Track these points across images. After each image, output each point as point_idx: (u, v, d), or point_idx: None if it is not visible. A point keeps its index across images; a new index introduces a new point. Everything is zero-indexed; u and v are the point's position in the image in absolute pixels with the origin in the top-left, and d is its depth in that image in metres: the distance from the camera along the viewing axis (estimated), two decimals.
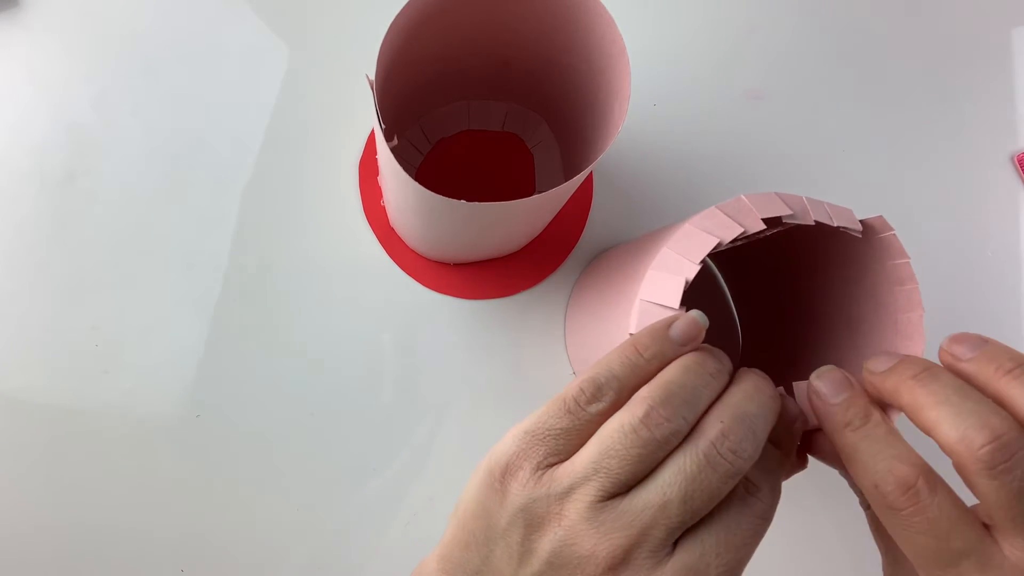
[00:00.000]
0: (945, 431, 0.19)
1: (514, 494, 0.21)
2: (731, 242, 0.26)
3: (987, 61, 0.49)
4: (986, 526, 0.20)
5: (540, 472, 0.21)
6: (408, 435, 0.41)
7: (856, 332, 0.30)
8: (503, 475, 0.22)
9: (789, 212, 0.26)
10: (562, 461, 0.22)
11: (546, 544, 0.21)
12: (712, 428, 0.21)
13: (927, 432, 0.20)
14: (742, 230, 0.25)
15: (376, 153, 0.43)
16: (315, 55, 0.44)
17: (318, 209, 0.43)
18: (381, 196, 0.43)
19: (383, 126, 0.27)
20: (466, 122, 0.44)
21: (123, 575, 0.39)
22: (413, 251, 0.43)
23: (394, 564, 0.40)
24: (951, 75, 0.49)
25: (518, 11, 0.32)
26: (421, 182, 0.28)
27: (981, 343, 0.21)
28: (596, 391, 0.22)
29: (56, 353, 0.40)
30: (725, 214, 0.26)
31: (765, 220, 0.26)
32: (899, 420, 0.23)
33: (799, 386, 0.25)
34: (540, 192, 0.32)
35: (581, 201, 0.44)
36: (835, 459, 0.23)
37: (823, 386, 0.23)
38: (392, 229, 0.43)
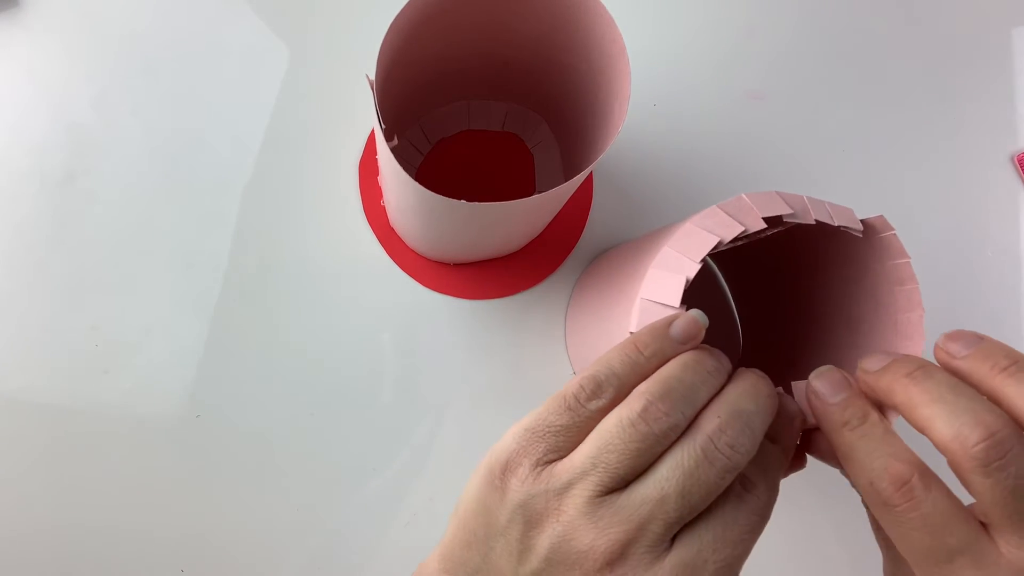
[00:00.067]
0: (939, 429, 0.19)
1: (513, 491, 0.21)
2: (732, 241, 0.26)
3: (987, 61, 0.49)
4: (983, 524, 0.20)
5: (539, 468, 0.21)
6: (408, 435, 0.41)
7: (856, 332, 0.30)
8: (503, 472, 0.22)
9: (790, 211, 0.26)
10: (562, 458, 0.22)
11: (545, 540, 0.21)
12: (709, 423, 0.21)
13: (921, 430, 0.20)
14: (743, 229, 0.25)
15: (376, 153, 0.43)
16: (315, 55, 0.44)
17: (318, 209, 0.43)
18: (381, 196, 0.43)
19: (383, 126, 0.27)
20: (466, 122, 0.44)
21: (123, 575, 0.39)
22: (413, 251, 0.43)
23: (394, 564, 0.40)
24: (951, 75, 0.49)
25: (518, 11, 0.32)
26: (421, 182, 0.28)
27: (976, 340, 0.21)
28: (596, 388, 0.22)
29: (56, 353, 0.40)
30: (726, 213, 0.26)
31: (766, 219, 0.26)
32: (897, 423, 0.23)
33: (798, 386, 0.25)
34: (540, 192, 0.32)
35: (581, 201, 0.44)
36: (834, 458, 0.23)
37: (821, 386, 0.23)
38: (392, 229, 0.43)
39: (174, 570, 0.39)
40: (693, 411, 0.21)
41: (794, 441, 0.24)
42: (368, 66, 0.29)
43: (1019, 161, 0.48)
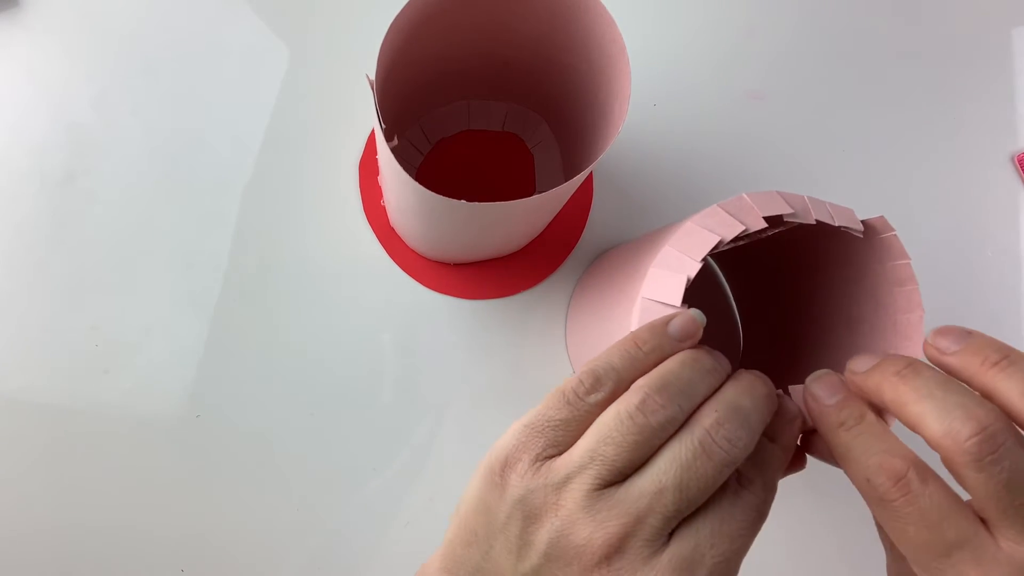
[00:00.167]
0: (930, 425, 0.19)
1: (512, 487, 0.21)
2: (732, 241, 0.26)
3: (987, 61, 0.49)
4: (982, 520, 0.20)
5: (538, 464, 0.21)
6: (408, 435, 0.41)
7: (856, 332, 0.30)
8: (502, 469, 0.22)
9: (790, 211, 0.26)
10: (560, 453, 0.22)
11: (543, 535, 0.21)
12: (707, 417, 0.21)
13: (913, 428, 0.20)
14: (744, 228, 0.25)
15: (376, 153, 0.43)
16: (315, 55, 0.44)
17: (318, 209, 0.43)
18: (381, 196, 0.43)
19: (383, 126, 0.27)
20: (466, 122, 0.44)
21: (123, 575, 0.39)
22: (413, 251, 0.43)
23: (394, 564, 0.40)
24: (951, 75, 0.49)
25: (518, 11, 0.32)
26: (421, 182, 0.28)
27: (965, 335, 0.21)
28: (595, 382, 0.22)
29: (56, 353, 0.40)
30: (727, 212, 0.26)
31: (767, 219, 0.26)
32: (895, 425, 0.23)
33: (795, 390, 0.25)
34: (540, 192, 0.32)
35: (581, 201, 0.44)
36: (833, 458, 0.23)
37: (818, 389, 0.23)
38: (392, 229, 0.43)
39: (174, 570, 0.39)
40: (690, 405, 0.22)
41: (793, 441, 0.24)
42: (368, 66, 0.29)
43: (1019, 161, 0.48)
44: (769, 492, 0.22)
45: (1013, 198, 0.48)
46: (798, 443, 0.25)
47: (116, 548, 0.39)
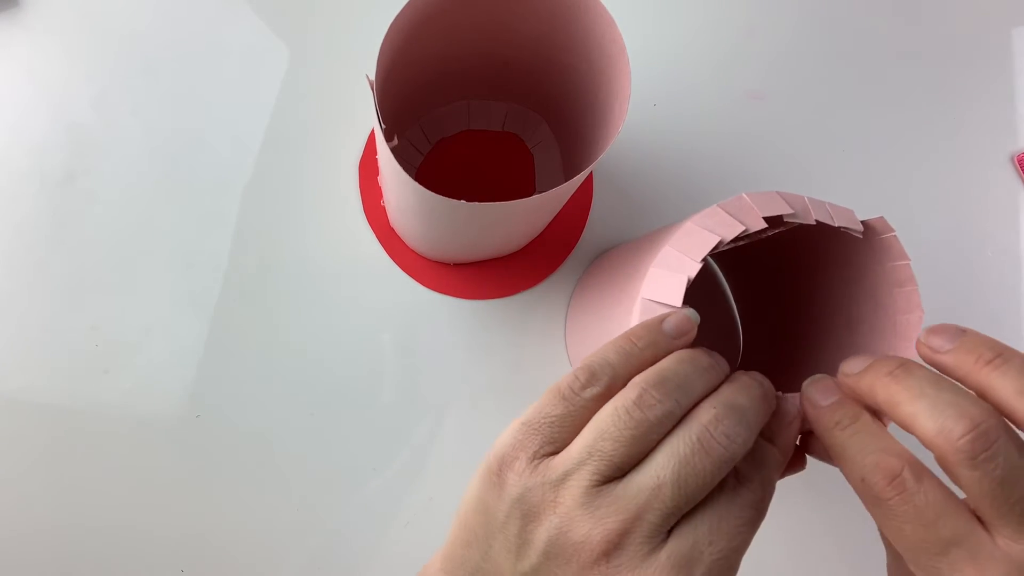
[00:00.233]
0: (923, 424, 0.19)
1: (511, 485, 0.21)
2: (733, 241, 0.26)
3: (987, 61, 0.49)
4: (978, 518, 0.20)
5: (536, 462, 0.21)
6: (408, 435, 0.41)
7: (856, 332, 0.30)
8: (500, 468, 0.22)
9: (790, 211, 0.26)
10: (558, 450, 0.22)
11: (542, 534, 0.21)
12: (705, 414, 0.21)
13: (906, 428, 0.20)
14: (744, 228, 0.25)
15: (376, 153, 0.43)
16: (315, 55, 0.44)
17: (318, 209, 0.43)
18: (381, 196, 0.43)
19: (383, 126, 0.27)
20: (466, 122, 0.44)
21: (123, 575, 0.39)
22: (413, 251, 0.43)
23: (394, 564, 0.40)
24: (951, 75, 0.49)
25: (518, 11, 0.32)
26: (421, 182, 0.28)
27: (959, 333, 0.21)
28: (590, 377, 0.22)
29: (56, 353, 0.40)
30: (727, 212, 0.26)
31: (767, 219, 0.26)
32: (893, 427, 0.23)
33: (791, 398, 0.25)
34: (540, 192, 0.32)
35: (581, 201, 0.44)
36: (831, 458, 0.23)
37: (813, 392, 0.24)
38: (392, 229, 0.43)
39: (174, 570, 0.39)
40: (688, 401, 0.22)
41: (792, 442, 0.24)
42: (368, 66, 0.29)
43: (1019, 161, 0.48)
44: (767, 491, 0.22)
45: (1013, 198, 0.48)
46: (797, 443, 0.25)
47: (116, 548, 0.39)
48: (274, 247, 0.42)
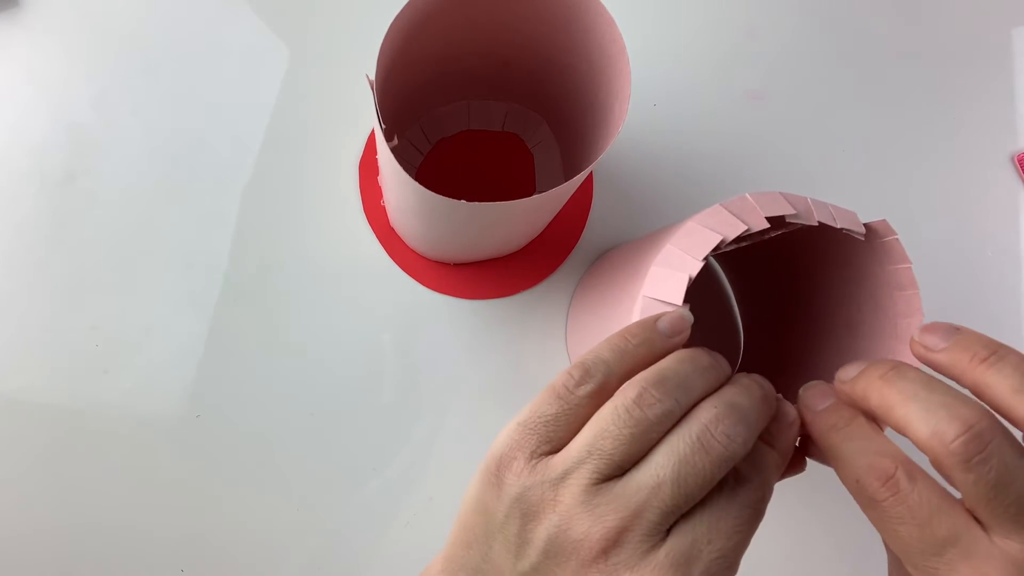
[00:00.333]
0: (916, 427, 0.19)
1: (509, 485, 0.21)
2: (735, 241, 0.26)
3: (987, 61, 0.49)
4: (974, 517, 0.20)
5: (535, 461, 0.21)
6: (408, 435, 0.41)
7: (856, 335, 0.30)
8: (498, 469, 0.22)
9: (793, 211, 0.26)
10: (556, 449, 0.22)
11: (542, 532, 0.21)
12: (706, 413, 0.21)
13: (900, 431, 0.20)
14: (746, 228, 0.25)
15: (376, 153, 0.43)
16: (315, 55, 0.44)
17: (318, 209, 0.43)
18: (381, 196, 0.43)
19: (383, 126, 0.27)
20: (466, 122, 0.44)
21: (123, 575, 0.39)
22: (413, 251, 0.43)
23: (394, 564, 0.40)
24: (951, 75, 0.49)
25: (518, 11, 0.32)
26: (421, 182, 0.28)
27: (953, 332, 0.21)
28: (584, 375, 0.22)
29: (56, 353, 0.40)
30: (729, 212, 0.26)
31: (769, 219, 0.26)
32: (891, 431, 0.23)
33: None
34: (540, 192, 0.32)
35: (581, 201, 0.44)
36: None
37: (809, 398, 0.24)
38: (392, 229, 0.43)
39: (174, 570, 0.39)
40: (688, 400, 0.22)
41: (791, 445, 0.24)
42: (368, 66, 0.29)
43: (1019, 161, 0.48)
44: (765, 490, 0.22)
45: (1013, 198, 0.48)
46: (797, 445, 0.25)
47: (116, 548, 0.39)
48: (274, 247, 0.42)
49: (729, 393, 0.22)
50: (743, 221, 0.25)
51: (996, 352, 0.20)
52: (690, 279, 0.25)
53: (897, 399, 0.20)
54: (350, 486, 0.41)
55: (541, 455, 0.22)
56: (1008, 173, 0.48)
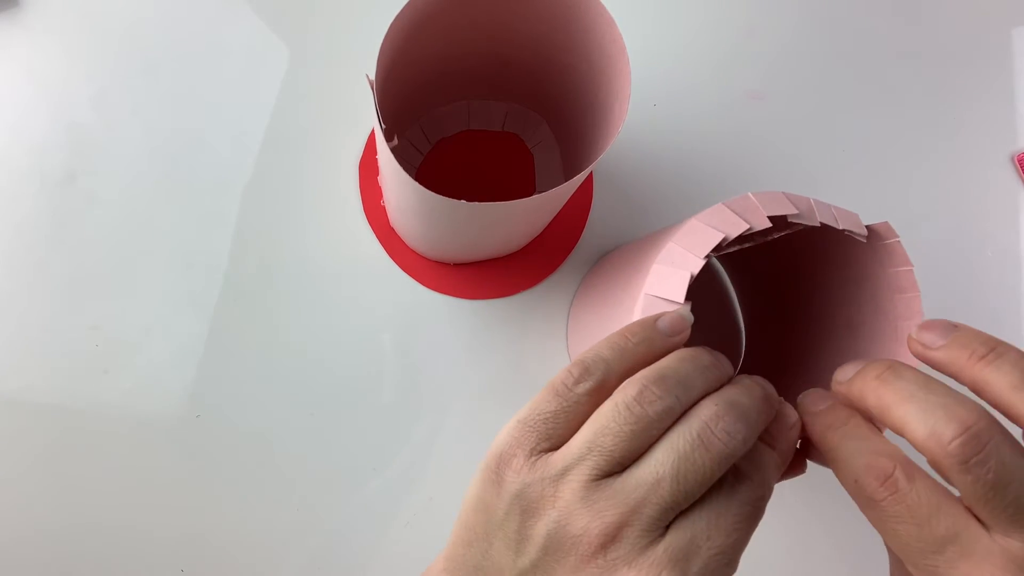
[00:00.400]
0: (913, 427, 0.19)
1: (509, 482, 0.21)
2: (738, 241, 0.26)
3: (987, 61, 0.49)
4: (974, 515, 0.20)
5: (535, 458, 0.22)
6: (408, 435, 0.41)
7: (856, 337, 0.30)
8: (498, 466, 0.22)
9: (795, 211, 0.26)
10: (556, 447, 0.22)
11: (541, 528, 0.21)
12: (706, 410, 0.21)
13: (897, 432, 0.20)
14: (748, 227, 0.25)
15: (376, 153, 0.43)
16: (315, 55, 0.44)
17: (318, 209, 0.43)
18: (381, 196, 0.43)
19: (383, 126, 0.27)
20: (466, 122, 0.44)
21: (123, 575, 0.39)
22: (413, 251, 0.43)
23: (394, 564, 0.40)
24: (951, 75, 0.49)
25: (518, 11, 0.32)
26: (421, 182, 0.28)
27: (951, 329, 0.21)
28: (583, 372, 0.22)
29: (56, 353, 0.40)
30: (732, 211, 0.26)
31: (771, 219, 0.26)
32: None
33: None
34: (540, 192, 0.32)
35: (581, 201, 0.44)
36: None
37: (808, 403, 0.24)
38: (392, 229, 0.43)
39: (174, 570, 0.39)
40: (688, 397, 0.22)
41: (791, 447, 0.24)
42: (368, 66, 0.29)
43: (1019, 161, 0.48)
44: (766, 490, 0.22)
45: (1013, 198, 0.48)
46: (798, 447, 0.25)
47: (116, 548, 0.39)
48: (274, 247, 0.42)
49: (730, 392, 0.22)
50: (745, 220, 0.25)
51: (995, 349, 0.20)
52: (692, 276, 0.25)
53: (894, 399, 0.20)
54: (350, 486, 0.41)
55: (541, 452, 0.22)
56: (1008, 173, 0.48)
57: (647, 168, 0.45)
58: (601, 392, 0.22)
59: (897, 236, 0.27)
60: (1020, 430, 0.20)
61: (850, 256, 0.30)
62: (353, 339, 0.42)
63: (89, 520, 0.39)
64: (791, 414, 0.24)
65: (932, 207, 0.47)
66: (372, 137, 0.44)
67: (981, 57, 0.49)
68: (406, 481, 0.41)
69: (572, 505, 0.20)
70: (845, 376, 0.23)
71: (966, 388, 0.20)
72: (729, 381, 0.23)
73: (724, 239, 0.25)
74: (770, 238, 0.27)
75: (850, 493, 0.21)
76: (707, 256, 0.25)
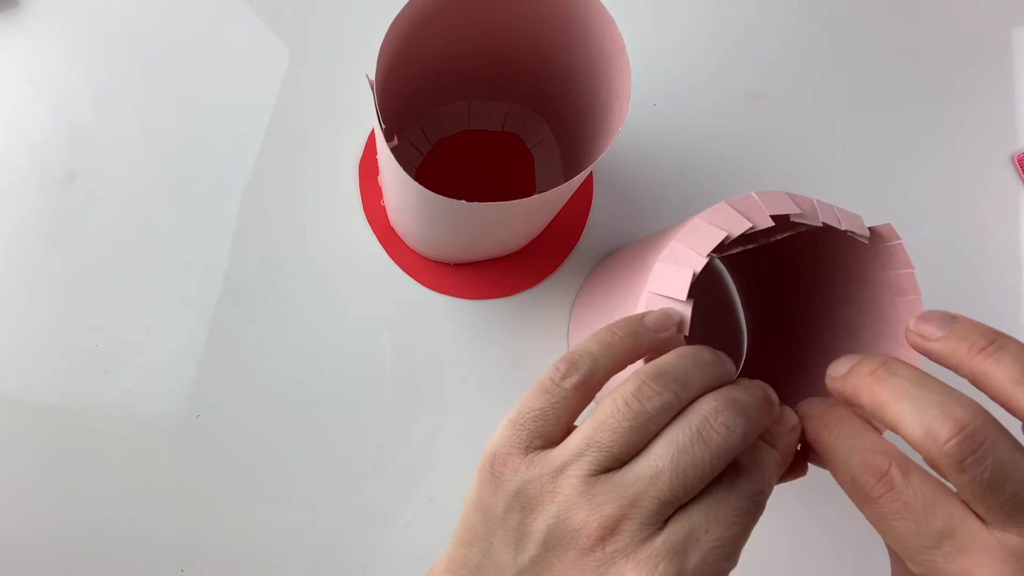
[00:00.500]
0: (908, 426, 0.19)
1: (508, 480, 0.22)
2: (740, 240, 0.26)
3: (987, 61, 0.49)
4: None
5: (531, 455, 0.22)
6: (408, 435, 0.41)
7: (857, 338, 0.30)
8: (493, 465, 0.22)
9: (798, 211, 0.26)
10: (549, 443, 0.22)
11: (541, 524, 0.21)
12: (706, 405, 0.21)
13: (893, 429, 0.20)
14: (750, 225, 0.25)
15: (376, 153, 0.43)
16: (315, 55, 0.44)
17: (318, 209, 0.43)
18: (381, 196, 0.43)
19: (383, 126, 0.27)
20: (466, 122, 0.44)
21: (123, 575, 0.39)
22: (413, 251, 0.43)
23: (394, 564, 0.40)
24: (951, 75, 0.49)
25: (518, 11, 0.32)
26: (421, 182, 0.28)
27: (950, 320, 0.21)
28: (570, 367, 0.22)
29: (56, 353, 0.40)
30: (734, 209, 0.26)
31: (774, 218, 0.26)
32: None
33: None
34: (540, 192, 0.32)
35: (581, 201, 0.44)
36: None
37: (807, 408, 0.24)
38: (392, 229, 0.43)
39: (174, 570, 0.39)
40: (687, 394, 0.22)
41: (792, 448, 0.24)
42: (368, 66, 0.29)
43: (1019, 161, 0.48)
44: (765, 485, 0.22)
45: (1013, 198, 0.48)
46: (798, 449, 0.25)
47: (116, 548, 0.39)
48: (274, 247, 0.42)
49: (730, 389, 0.22)
50: (748, 219, 0.25)
51: (995, 341, 0.20)
52: (695, 274, 0.25)
53: (888, 397, 0.20)
54: (350, 486, 0.41)
55: (536, 449, 0.22)
56: (1008, 173, 0.48)
57: (647, 168, 0.45)
58: (588, 386, 0.22)
59: (899, 238, 0.27)
60: (1020, 423, 0.20)
61: (851, 257, 0.30)
62: (353, 339, 0.42)
63: (89, 520, 0.39)
64: (791, 417, 0.24)
65: (932, 207, 0.47)
66: (372, 137, 0.44)
67: (981, 57, 0.49)
68: (406, 481, 0.41)
69: (571, 500, 0.21)
70: (839, 371, 0.23)
71: (965, 380, 0.20)
72: (731, 382, 0.23)
73: (727, 237, 0.25)
74: (772, 239, 0.27)
75: (847, 492, 0.22)
76: (710, 255, 0.25)
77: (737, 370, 0.24)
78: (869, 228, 0.27)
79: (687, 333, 0.25)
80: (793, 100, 0.47)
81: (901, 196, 0.47)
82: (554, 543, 0.21)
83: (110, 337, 0.40)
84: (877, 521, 0.20)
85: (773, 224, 0.26)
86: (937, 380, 0.20)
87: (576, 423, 0.23)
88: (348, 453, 0.41)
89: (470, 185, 0.44)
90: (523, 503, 0.21)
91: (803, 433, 0.24)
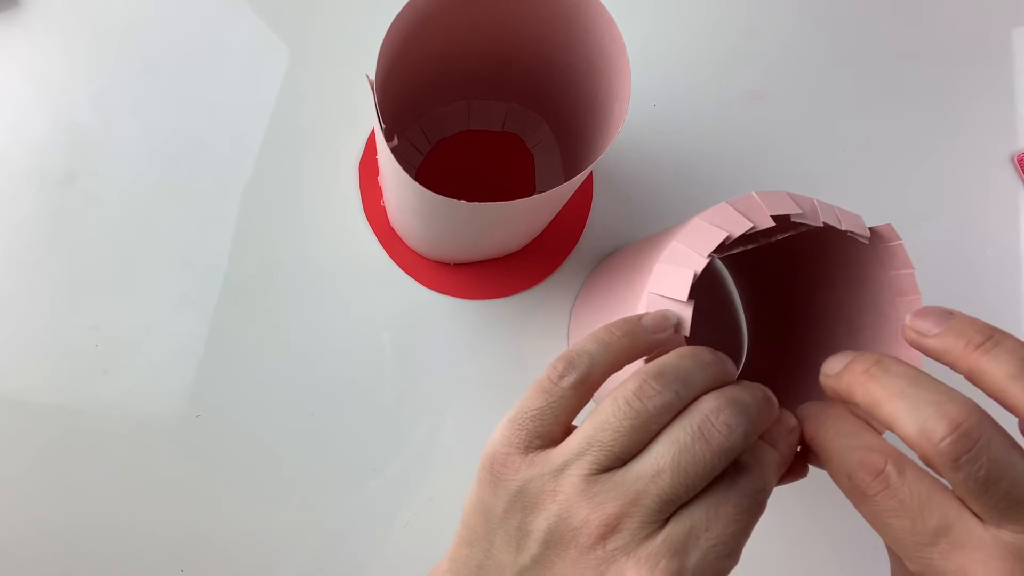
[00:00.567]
0: (903, 425, 0.19)
1: (508, 480, 0.22)
2: (741, 240, 0.26)
3: (987, 61, 0.49)
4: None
5: (531, 455, 0.22)
6: (408, 435, 0.41)
7: (857, 338, 0.30)
8: (493, 465, 0.22)
9: (799, 211, 0.26)
10: (548, 443, 0.22)
11: (542, 522, 0.21)
12: (707, 404, 0.21)
13: (888, 428, 0.20)
14: (751, 225, 0.25)
15: (376, 153, 0.43)
16: (315, 55, 0.44)
17: (318, 209, 0.43)
18: (381, 196, 0.43)
19: (383, 126, 0.27)
20: (466, 122, 0.44)
21: (123, 575, 0.39)
22: (413, 251, 0.43)
23: (394, 564, 0.40)
24: (951, 75, 0.49)
25: (518, 11, 0.32)
26: (421, 182, 0.28)
27: (946, 316, 0.21)
28: (567, 366, 0.22)
29: (56, 353, 0.40)
30: (735, 209, 0.26)
31: (774, 218, 0.26)
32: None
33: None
34: (540, 192, 0.32)
35: (581, 201, 0.44)
36: None
37: (806, 411, 0.24)
38: (392, 229, 0.43)
39: (174, 570, 0.39)
40: (688, 393, 0.22)
41: (792, 449, 0.24)
42: (368, 66, 0.29)
43: (1019, 161, 0.48)
44: (766, 483, 0.22)
45: (1013, 198, 0.48)
46: (798, 450, 0.25)
47: (116, 548, 0.39)
48: (274, 247, 0.42)
49: (731, 389, 0.22)
50: (749, 219, 0.25)
51: (991, 337, 0.20)
52: (695, 275, 0.25)
53: (882, 395, 0.20)
54: (350, 486, 0.41)
55: (535, 449, 0.22)
56: (1008, 173, 0.48)
57: (647, 168, 0.45)
58: (586, 385, 0.22)
59: (900, 238, 0.27)
60: (1016, 419, 0.20)
61: (851, 257, 0.30)
62: (353, 339, 0.42)
63: (89, 520, 0.39)
64: (790, 419, 0.24)
65: (932, 207, 0.47)
66: (372, 137, 0.44)
67: (981, 57, 0.49)
68: (406, 481, 0.41)
69: (572, 498, 0.21)
70: (833, 369, 0.23)
71: (961, 377, 0.20)
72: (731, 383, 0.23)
73: (728, 237, 0.25)
74: (773, 239, 0.27)
75: (844, 490, 0.22)
76: (711, 255, 0.25)
77: (737, 370, 0.24)
78: (869, 228, 0.27)
79: (687, 334, 0.25)
80: (793, 100, 0.47)
81: (901, 196, 0.47)
82: (555, 542, 0.21)
83: (110, 337, 0.40)
84: (874, 519, 0.21)
85: (774, 224, 0.25)
86: (932, 378, 0.20)
87: (575, 423, 0.23)
88: (348, 453, 0.41)
89: (470, 185, 0.44)
90: (524, 502, 0.21)
91: (802, 434, 0.24)
